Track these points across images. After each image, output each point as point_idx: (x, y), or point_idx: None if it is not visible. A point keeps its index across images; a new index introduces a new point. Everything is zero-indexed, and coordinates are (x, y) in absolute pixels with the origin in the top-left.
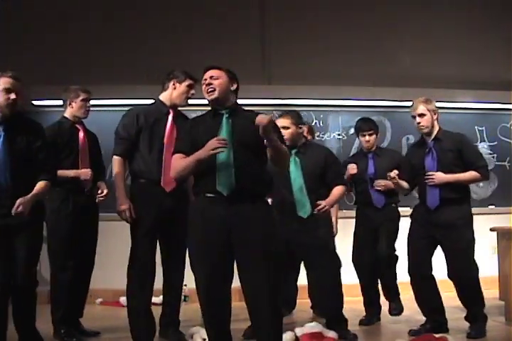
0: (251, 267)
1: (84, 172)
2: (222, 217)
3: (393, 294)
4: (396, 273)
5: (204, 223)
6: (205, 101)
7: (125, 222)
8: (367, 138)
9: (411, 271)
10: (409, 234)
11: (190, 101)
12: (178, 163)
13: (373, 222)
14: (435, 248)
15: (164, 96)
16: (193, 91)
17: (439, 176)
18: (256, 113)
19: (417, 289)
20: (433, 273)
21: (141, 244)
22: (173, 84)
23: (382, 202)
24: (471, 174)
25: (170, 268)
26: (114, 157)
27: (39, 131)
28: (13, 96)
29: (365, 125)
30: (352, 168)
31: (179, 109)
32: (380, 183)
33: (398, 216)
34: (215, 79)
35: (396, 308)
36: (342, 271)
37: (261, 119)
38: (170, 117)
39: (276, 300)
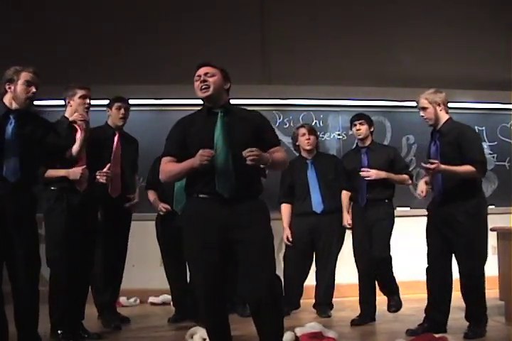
0: (251, 266)
1: (73, 173)
2: (221, 216)
3: (390, 289)
4: (392, 273)
5: (201, 223)
6: (201, 101)
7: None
8: (358, 126)
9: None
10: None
11: (186, 102)
12: (169, 167)
13: (366, 218)
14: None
15: (109, 120)
16: (122, 111)
17: (438, 166)
18: (251, 111)
19: (430, 286)
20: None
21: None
22: (108, 111)
23: (365, 198)
24: (467, 167)
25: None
26: None
27: (49, 125)
28: (33, 89)
29: (356, 116)
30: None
31: None
32: (370, 172)
33: (392, 212)
34: (210, 76)
35: (394, 305)
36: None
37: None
38: (116, 137)
39: (277, 298)
